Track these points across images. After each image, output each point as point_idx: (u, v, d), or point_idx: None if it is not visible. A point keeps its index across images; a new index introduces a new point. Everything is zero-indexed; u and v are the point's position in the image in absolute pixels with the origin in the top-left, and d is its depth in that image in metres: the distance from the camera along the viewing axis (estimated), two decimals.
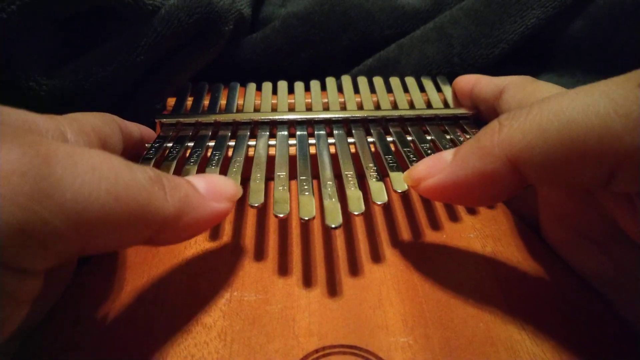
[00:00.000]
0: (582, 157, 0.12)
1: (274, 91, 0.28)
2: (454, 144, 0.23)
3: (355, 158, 0.21)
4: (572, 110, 0.12)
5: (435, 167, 0.16)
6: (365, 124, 0.25)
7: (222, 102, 0.27)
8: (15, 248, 0.10)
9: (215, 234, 0.20)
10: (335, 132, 0.24)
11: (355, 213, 0.17)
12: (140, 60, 0.25)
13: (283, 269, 0.18)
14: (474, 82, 0.24)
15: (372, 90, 0.28)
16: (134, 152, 0.22)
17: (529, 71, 0.32)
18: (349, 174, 0.20)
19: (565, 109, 0.13)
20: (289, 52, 0.32)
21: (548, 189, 0.18)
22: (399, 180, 0.19)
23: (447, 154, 0.16)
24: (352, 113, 0.25)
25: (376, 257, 0.19)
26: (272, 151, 0.22)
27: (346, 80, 0.29)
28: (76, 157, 0.11)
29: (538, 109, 0.13)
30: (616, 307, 0.17)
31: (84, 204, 0.11)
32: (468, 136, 0.24)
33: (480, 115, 0.25)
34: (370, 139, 0.23)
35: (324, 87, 0.29)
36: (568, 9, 0.30)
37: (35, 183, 0.10)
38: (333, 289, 0.17)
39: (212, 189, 0.15)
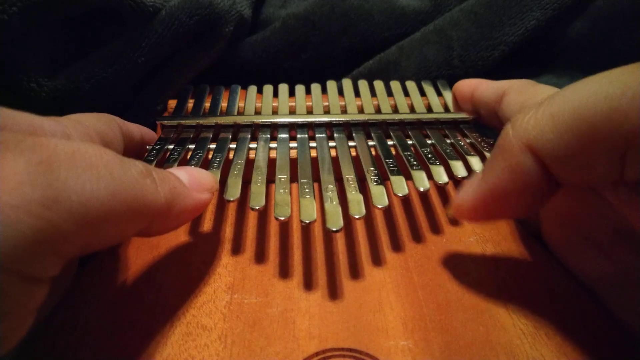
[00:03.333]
0: (593, 140, 0.13)
1: (275, 94, 0.28)
2: (454, 148, 0.23)
3: (356, 161, 0.21)
4: (581, 95, 0.13)
5: (470, 186, 0.16)
6: (365, 128, 0.25)
7: (223, 104, 0.27)
8: (30, 257, 0.10)
9: (216, 237, 0.20)
10: (335, 135, 0.24)
11: (356, 216, 0.17)
12: (141, 62, 0.25)
13: (284, 272, 0.18)
14: (474, 86, 0.24)
15: (373, 93, 0.28)
16: (134, 153, 0.22)
17: (529, 73, 0.33)
18: (349, 177, 0.20)
19: (575, 95, 0.13)
20: (289, 54, 0.32)
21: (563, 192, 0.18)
22: (400, 184, 0.19)
23: (479, 172, 0.17)
24: (353, 116, 0.25)
25: (376, 260, 0.19)
26: (272, 154, 0.22)
27: (347, 83, 0.29)
28: (76, 156, 0.12)
29: (549, 99, 0.14)
30: (615, 311, 0.17)
31: (87, 205, 0.11)
32: (468, 140, 0.24)
33: (480, 119, 0.25)
34: (370, 143, 0.23)
35: (324, 90, 0.29)
36: (567, 11, 0.30)
37: (43, 190, 0.11)
38: (333, 292, 0.18)
39: (194, 180, 0.16)
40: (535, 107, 0.14)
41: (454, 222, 0.21)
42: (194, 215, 0.17)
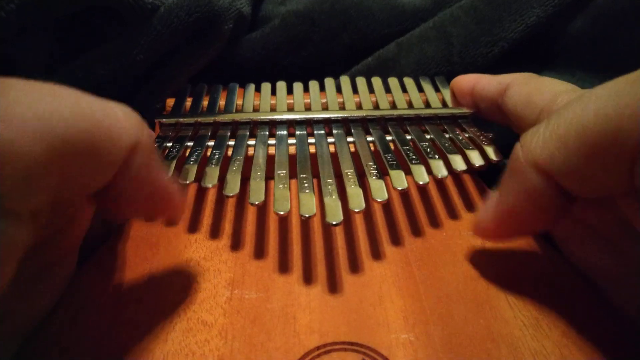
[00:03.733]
0: (600, 160, 0.13)
1: (273, 92, 0.28)
2: (453, 142, 0.23)
3: (355, 157, 0.21)
4: (585, 117, 0.13)
5: (487, 208, 0.17)
6: (364, 124, 0.25)
7: (221, 102, 0.27)
8: None
9: (215, 232, 0.20)
10: (334, 131, 0.24)
11: (356, 210, 0.17)
12: (140, 59, 0.25)
13: (283, 267, 0.18)
14: (474, 81, 0.24)
15: (371, 90, 0.28)
16: None
17: (529, 70, 0.32)
18: (349, 172, 0.20)
19: (580, 117, 0.13)
20: (288, 51, 0.32)
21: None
22: (399, 178, 0.19)
23: (495, 193, 0.17)
24: (351, 113, 0.25)
25: (376, 254, 0.19)
26: (271, 150, 0.22)
27: (345, 80, 0.29)
28: (34, 84, 0.11)
29: (555, 119, 0.14)
30: (617, 303, 0.17)
31: (48, 122, 0.11)
32: (467, 135, 0.24)
33: (480, 113, 0.25)
34: (369, 138, 0.23)
35: (322, 88, 0.29)
36: (568, 7, 0.30)
37: None
38: (334, 287, 0.17)
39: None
40: (545, 123, 0.15)
41: (454, 216, 0.21)
42: (159, 194, 0.16)
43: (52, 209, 0.13)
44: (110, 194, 0.14)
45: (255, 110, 0.26)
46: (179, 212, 0.17)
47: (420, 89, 0.28)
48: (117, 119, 0.13)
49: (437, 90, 0.28)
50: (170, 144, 0.22)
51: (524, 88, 0.20)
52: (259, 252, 0.19)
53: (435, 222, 0.21)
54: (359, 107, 0.27)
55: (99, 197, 0.14)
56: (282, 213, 0.17)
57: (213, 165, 0.20)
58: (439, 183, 0.23)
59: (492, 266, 0.18)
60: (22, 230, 0.11)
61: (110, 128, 0.13)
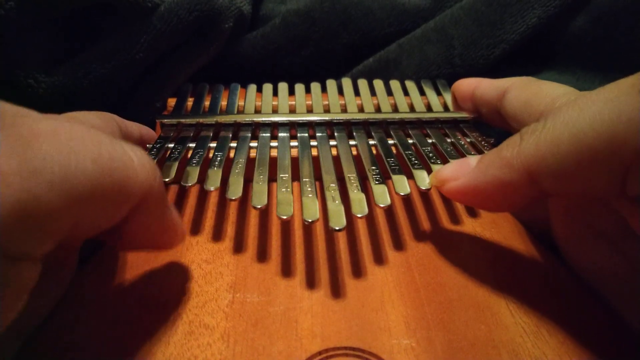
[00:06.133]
0: (593, 164, 0.13)
1: (274, 92, 0.28)
2: (454, 147, 0.23)
3: (357, 160, 0.21)
4: (580, 121, 0.13)
5: (460, 171, 0.17)
6: (366, 127, 0.25)
7: (223, 103, 0.27)
8: (13, 231, 0.10)
9: (217, 235, 0.20)
10: (336, 134, 0.24)
11: (359, 215, 0.17)
12: (140, 58, 0.25)
13: (286, 271, 0.18)
14: (474, 85, 0.24)
15: (373, 92, 0.28)
16: None
17: (529, 70, 0.32)
18: (351, 176, 0.20)
19: (575, 121, 0.13)
20: (289, 50, 0.32)
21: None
22: (401, 183, 0.19)
23: (473, 160, 0.17)
24: (353, 115, 0.25)
25: (378, 259, 0.19)
26: (273, 153, 0.22)
27: (347, 82, 0.29)
28: (59, 130, 0.12)
29: (551, 121, 0.14)
30: (618, 308, 0.17)
31: (72, 176, 0.11)
32: (469, 139, 0.24)
33: (481, 118, 0.25)
34: (371, 142, 0.23)
35: (324, 89, 0.29)
36: (569, 8, 0.30)
37: (23, 162, 0.10)
38: (336, 291, 0.18)
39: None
40: (542, 123, 0.14)
41: (455, 221, 0.21)
42: (166, 231, 0.16)
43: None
44: (117, 232, 0.14)
45: (257, 111, 0.26)
46: (180, 242, 0.17)
47: (422, 92, 0.28)
48: (134, 168, 0.13)
49: (438, 93, 0.28)
50: (172, 145, 0.22)
51: (523, 92, 0.20)
52: (261, 255, 0.19)
53: (437, 227, 0.21)
54: (361, 109, 0.27)
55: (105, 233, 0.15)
56: (284, 217, 0.17)
57: (215, 168, 0.20)
58: None
59: (493, 273, 0.18)
60: (33, 269, 0.12)
61: (127, 179, 0.13)
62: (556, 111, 0.14)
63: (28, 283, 0.11)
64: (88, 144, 0.12)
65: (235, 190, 0.18)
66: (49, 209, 0.11)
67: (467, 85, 0.25)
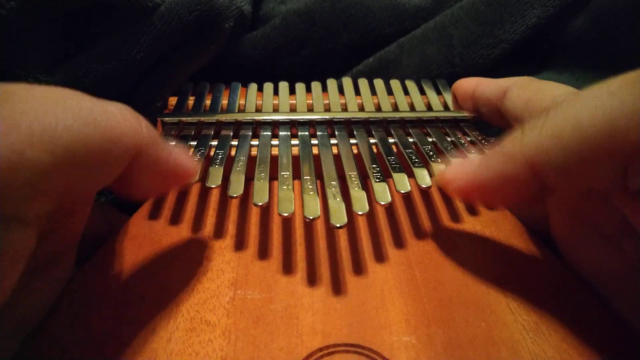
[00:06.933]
0: (595, 157, 0.13)
1: (275, 91, 0.28)
2: (455, 146, 0.23)
3: (358, 159, 0.21)
4: (582, 114, 0.13)
5: (464, 170, 0.17)
6: (366, 126, 0.25)
7: (224, 102, 0.27)
8: (3, 190, 0.10)
9: (219, 233, 0.20)
10: (337, 133, 0.24)
11: (360, 213, 0.17)
12: (140, 58, 0.25)
13: (287, 268, 0.18)
14: (475, 85, 0.25)
15: (373, 92, 0.28)
16: None
17: (529, 70, 0.33)
18: (352, 174, 0.20)
19: (577, 114, 0.13)
20: (289, 50, 0.32)
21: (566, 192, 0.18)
22: (402, 181, 0.19)
23: (475, 157, 0.17)
24: (354, 114, 0.25)
25: (379, 256, 0.19)
26: (274, 151, 0.22)
27: (347, 81, 0.29)
28: (35, 90, 0.12)
29: (553, 114, 0.14)
30: (617, 307, 0.17)
31: (52, 131, 0.11)
32: (469, 138, 0.24)
33: (481, 117, 0.25)
34: (371, 140, 0.23)
35: (324, 88, 0.29)
36: (568, 7, 0.30)
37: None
38: (336, 288, 0.18)
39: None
40: (544, 117, 0.14)
41: (456, 219, 0.21)
42: (175, 178, 0.16)
43: (55, 210, 0.13)
44: (123, 182, 0.15)
45: (258, 110, 0.26)
46: (193, 177, 0.17)
47: (422, 92, 0.29)
48: (117, 120, 0.13)
49: (438, 93, 0.29)
50: (173, 143, 0.22)
51: (524, 92, 0.20)
52: (262, 253, 0.19)
53: (437, 225, 0.21)
54: (361, 108, 0.27)
55: (113, 185, 0.15)
56: (286, 215, 0.17)
57: (217, 165, 0.20)
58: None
59: (493, 270, 0.18)
60: (27, 234, 0.12)
61: (111, 130, 0.13)
62: (558, 105, 0.14)
63: (23, 250, 0.11)
64: (67, 100, 0.12)
65: (237, 187, 0.18)
66: (34, 164, 0.11)
67: (468, 84, 0.25)
